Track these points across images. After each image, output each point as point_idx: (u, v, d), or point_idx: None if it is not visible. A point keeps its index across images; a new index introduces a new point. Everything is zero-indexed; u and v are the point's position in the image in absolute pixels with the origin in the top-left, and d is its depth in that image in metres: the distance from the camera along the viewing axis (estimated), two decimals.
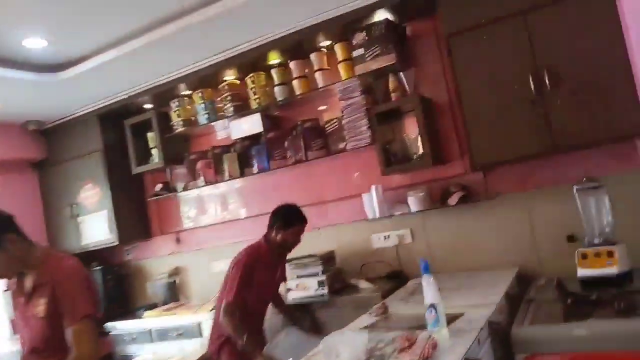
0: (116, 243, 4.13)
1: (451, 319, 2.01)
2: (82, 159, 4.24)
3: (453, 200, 2.99)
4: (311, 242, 3.57)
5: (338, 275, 3.35)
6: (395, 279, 3.22)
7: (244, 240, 3.94)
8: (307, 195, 3.72)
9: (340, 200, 3.61)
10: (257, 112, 3.56)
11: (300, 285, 3.26)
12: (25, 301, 1.84)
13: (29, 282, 1.86)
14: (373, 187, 3.22)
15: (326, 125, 3.43)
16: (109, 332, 3.94)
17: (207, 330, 3.34)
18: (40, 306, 1.79)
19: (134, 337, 3.83)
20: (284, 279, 3.16)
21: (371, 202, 3.23)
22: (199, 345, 3.35)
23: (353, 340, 1.87)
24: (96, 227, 4.20)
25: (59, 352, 1.80)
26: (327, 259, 3.36)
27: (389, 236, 3.40)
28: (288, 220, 2.90)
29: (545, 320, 2.16)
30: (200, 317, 3.55)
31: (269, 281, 2.93)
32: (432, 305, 1.85)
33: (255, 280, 2.77)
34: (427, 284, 1.87)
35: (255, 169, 3.61)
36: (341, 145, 3.32)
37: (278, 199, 3.82)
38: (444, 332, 1.83)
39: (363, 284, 3.19)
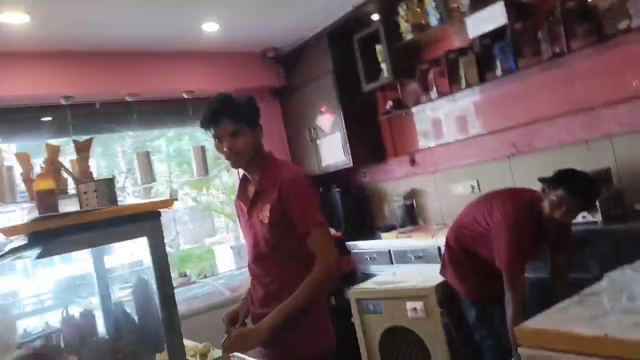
0: (351, 165, 4.09)
1: None
2: (316, 82, 4.25)
3: None
4: (578, 160, 2.84)
5: (616, 198, 2.60)
6: None
7: (485, 160, 3.47)
8: (567, 101, 2.98)
9: (616, 103, 2.75)
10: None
11: None
12: (248, 207, 1.79)
13: (252, 188, 1.81)
14: None
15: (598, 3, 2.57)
16: (350, 250, 3.98)
17: None
18: (265, 211, 1.71)
19: (374, 257, 3.79)
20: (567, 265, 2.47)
21: None
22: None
23: None
24: (332, 150, 4.22)
25: (284, 259, 1.72)
26: (600, 179, 2.61)
27: None
28: (573, 193, 2.17)
29: None
30: (439, 242, 3.24)
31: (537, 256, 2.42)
32: None
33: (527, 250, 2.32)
34: None
35: (498, 71, 3.00)
36: (622, 26, 2.45)
37: (526, 109, 3.19)
38: None
39: None
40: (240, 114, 1.72)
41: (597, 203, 2.48)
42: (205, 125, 1.74)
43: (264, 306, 1.70)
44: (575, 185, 2.19)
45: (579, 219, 2.53)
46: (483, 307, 2.50)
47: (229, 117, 1.70)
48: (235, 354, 1.38)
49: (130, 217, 1.34)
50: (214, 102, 1.73)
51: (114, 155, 10.03)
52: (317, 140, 4.36)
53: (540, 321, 1.36)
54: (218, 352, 1.70)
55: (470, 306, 2.52)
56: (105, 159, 9.73)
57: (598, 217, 2.48)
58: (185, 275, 5.12)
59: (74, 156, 1.93)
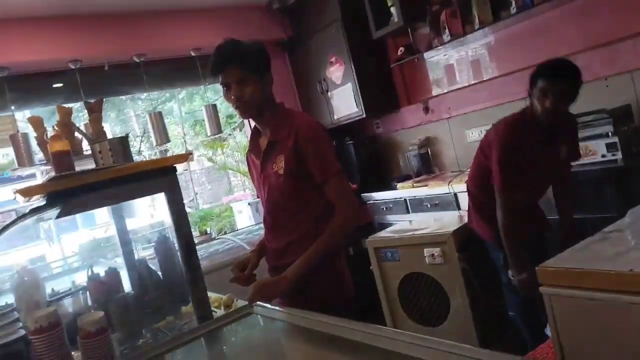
0: (364, 116, 4.03)
1: None
2: (324, 31, 4.14)
3: None
4: (596, 97, 2.77)
5: (637, 136, 2.53)
6: None
7: (500, 103, 3.38)
8: (586, 36, 2.86)
9: (636, 35, 2.64)
10: None
11: (581, 151, 2.56)
12: (262, 160, 1.76)
13: (264, 140, 1.77)
14: None
15: None
16: (366, 202, 3.99)
17: (464, 202, 3.01)
18: (280, 162, 1.68)
19: (390, 207, 3.80)
20: (571, 158, 2.39)
21: None
22: (457, 216, 3.06)
23: None
24: (344, 101, 4.16)
25: (299, 211, 1.70)
26: (621, 115, 2.55)
27: None
28: (545, 76, 2.11)
29: None
30: (456, 189, 3.22)
31: (541, 163, 2.26)
32: None
33: (522, 163, 2.22)
34: None
35: (513, 8, 2.87)
36: None
37: (542, 47, 3.07)
38: None
39: None
40: (248, 61, 1.66)
41: (618, 141, 2.42)
42: (213, 71, 1.69)
43: (282, 258, 1.71)
44: (550, 68, 2.13)
45: (599, 157, 2.49)
46: None
47: (236, 64, 1.64)
48: (259, 303, 1.40)
49: (147, 174, 1.34)
50: (221, 48, 1.67)
51: (128, 120, 10.07)
52: (328, 93, 4.29)
53: (563, 259, 1.35)
54: (242, 303, 1.73)
55: (497, 250, 2.49)
56: (119, 124, 9.78)
57: (618, 155, 2.43)
58: (206, 233, 5.21)
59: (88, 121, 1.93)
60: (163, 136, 3.83)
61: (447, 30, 3.25)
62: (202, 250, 3.83)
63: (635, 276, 1.12)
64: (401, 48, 3.75)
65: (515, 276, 2.28)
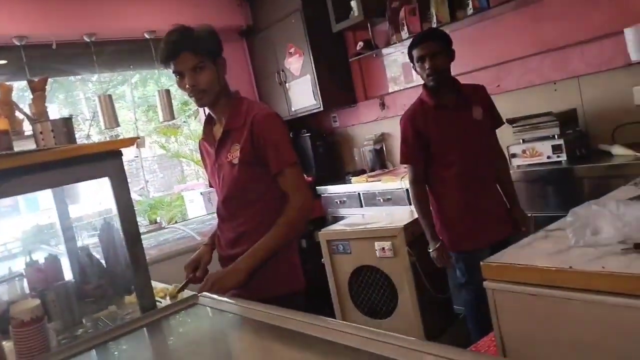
0: (321, 109, 4.03)
1: None
2: (284, 21, 4.10)
3: None
4: (544, 100, 2.89)
5: (580, 139, 2.64)
6: None
7: None
8: (537, 41, 2.96)
9: (584, 42, 2.75)
10: None
11: (528, 151, 2.67)
12: (216, 149, 1.72)
13: (219, 129, 1.73)
14: None
15: None
16: (320, 195, 3.99)
17: None
18: (235, 151, 1.65)
19: (344, 201, 3.82)
20: (494, 123, 2.43)
21: (639, 37, 2.34)
22: (408, 211, 3.11)
23: (622, 213, 1.31)
24: (302, 93, 4.14)
25: (253, 200, 1.67)
26: (566, 119, 2.65)
27: None
28: (414, 45, 2.31)
29: None
30: (407, 184, 3.26)
31: (449, 130, 2.33)
32: None
33: (422, 136, 2.35)
34: None
35: (470, 9, 2.93)
36: None
37: (496, 49, 3.17)
38: None
39: (618, 150, 2.44)
40: (201, 46, 1.61)
41: (563, 143, 2.52)
42: (165, 60, 1.63)
43: (234, 247, 1.68)
44: (416, 38, 2.37)
45: (545, 159, 2.58)
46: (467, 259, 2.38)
47: (189, 50, 1.59)
48: (205, 293, 1.37)
49: (91, 157, 1.28)
50: (172, 34, 1.61)
51: (77, 102, 9.64)
52: (287, 84, 4.26)
53: (506, 255, 1.38)
54: (189, 293, 1.69)
55: (456, 259, 2.44)
56: (68, 106, 9.35)
57: (563, 157, 2.53)
58: (155, 222, 5.07)
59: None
60: (112, 120, 3.69)
61: (405, 28, 3.29)
62: (151, 239, 3.74)
63: (574, 273, 1.16)
64: (360, 42, 3.77)
65: (431, 249, 2.43)
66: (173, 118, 4.10)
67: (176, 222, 4.88)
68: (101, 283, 1.88)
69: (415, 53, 2.30)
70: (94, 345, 1.15)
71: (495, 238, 2.29)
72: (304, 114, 4.22)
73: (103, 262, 1.93)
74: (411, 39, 2.40)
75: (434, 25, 3.11)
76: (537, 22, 2.94)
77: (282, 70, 4.24)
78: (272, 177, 1.63)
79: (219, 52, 1.68)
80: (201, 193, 5.12)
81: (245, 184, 1.65)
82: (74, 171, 1.28)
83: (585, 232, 1.31)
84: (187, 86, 1.62)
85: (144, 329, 1.25)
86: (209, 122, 1.79)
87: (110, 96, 3.73)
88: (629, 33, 2.41)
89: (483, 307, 2.26)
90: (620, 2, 2.57)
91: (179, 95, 6.11)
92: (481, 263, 1.40)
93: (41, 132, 1.41)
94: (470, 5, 2.91)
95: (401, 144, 2.42)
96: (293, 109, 4.28)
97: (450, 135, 2.33)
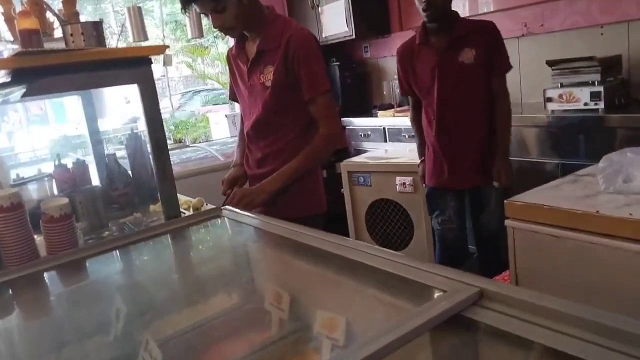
0: (353, 37, 3.89)
1: None
2: None
3: None
4: (588, 43, 2.74)
5: (622, 87, 2.52)
6: None
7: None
8: None
9: None
10: None
11: (565, 96, 2.56)
12: (248, 68, 1.68)
13: (253, 47, 1.68)
14: None
15: None
16: (345, 127, 3.95)
17: None
18: (268, 74, 1.61)
19: (368, 134, 3.78)
20: (487, 65, 2.24)
21: None
22: None
23: None
24: (334, 19, 3.99)
25: (282, 123, 1.66)
26: (609, 66, 2.52)
27: None
28: None
29: None
30: None
31: (426, 75, 2.29)
32: None
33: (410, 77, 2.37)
34: None
35: None
36: None
37: None
38: None
39: None
40: None
41: (602, 91, 2.41)
42: (184, 5, 1.56)
43: (260, 167, 1.70)
44: None
45: (582, 105, 2.49)
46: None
47: None
48: (228, 207, 1.39)
49: (120, 62, 1.26)
50: None
51: (106, 15, 9.50)
52: (319, 8, 4.10)
53: (531, 196, 1.37)
54: (212, 207, 1.73)
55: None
56: (96, 19, 9.22)
57: (601, 105, 2.42)
58: (180, 141, 5.12)
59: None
60: (141, 33, 3.63)
61: None
62: (174, 157, 3.79)
63: (600, 217, 1.15)
64: None
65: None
66: (202, 36, 4.02)
67: (200, 142, 4.93)
68: (127, 190, 1.93)
69: None
70: (120, 246, 1.20)
71: (460, 185, 2.36)
72: (334, 41, 4.09)
73: (129, 171, 1.97)
74: None
75: None
76: None
77: None
78: (304, 102, 1.60)
79: None
80: (226, 115, 5.13)
81: (276, 107, 1.63)
82: (103, 75, 1.28)
83: (617, 179, 1.28)
84: (214, 26, 1.57)
85: (168, 235, 1.29)
86: (241, 38, 1.74)
87: (139, 8, 3.66)
88: None
89: (495, 246, 2.32)
90: None
91: None
92: (505, 201, 1.39)
93: (71, 34, 1.39)
94: None
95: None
96: (324, 35, 4.14)
97: (426, 76, 2.29)
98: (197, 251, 1.26)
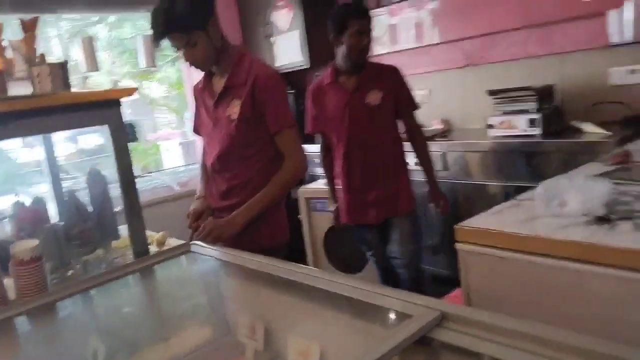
0: (308, 66, 4.02)
1: None
2: None
3: None
4: (525, 73, 2.97)
5: (556, 114, 2.74)
6: (636, 125, 2.50)
7: (439, 69, 3.52)
8: (523, 14, 3.00)
9: (570, 20, 2.82)
10: None
11: (505, 123, 2.76)
12: (214, 102, 1.75)
13: (221, 82, 1.75)
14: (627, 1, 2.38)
15: None
16: None
17: None
18: (234, 107, 1.68)
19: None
20: (394, 107, 2.38)
21: (620, 21, 2.42)
22: None
23: (587, 188, 1.42)
24: (288, 49, 4.11)
25: (247, 156, 1.73)
26: (544, 94, 2.74)
27: (635, 70, 2.59)
28: (340, 21, 2.27)
29: None
30: None
31: (335, 115, 2.36)
32: None
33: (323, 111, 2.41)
34: None
35: None
36: None
37: (483, 20, 3.20)
38: None
39: (589, 127, 2.56)
40: (186, 23, 1.59)
41: (539, 118, 2.62)
42: (156, 40, 1.63)
43: (225, 199, 1.75)
44: (354, 8, 2.33)
45: (520, 131, 2.69)
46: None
47: (176, 31, 1.60)
48: (198, 242, 1.43)
49: (91, 105, 1.30)
50: (156, 16, 1.60)
51: (47, 40, 9.23)
52: (272, 38, 4.21)
53: (478, 220, 1.49)
54: (176, 241, 1.76)
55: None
56: (39, 43, 8.93)
57: (538, 131, 2.64)
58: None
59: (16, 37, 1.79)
60: (93, 63, 3.61)
61: None
62: None
63: (540, 240, 1.27)
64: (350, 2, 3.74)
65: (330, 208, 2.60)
66: (154, 65, 4.03)
67: (151, 172, 4.87)
68: (87, 227, 1.93)
69: (352, 25, 2.24)
70: (92, 286, 1.21)
71: (373, 221, 2.41)
72: (288, 70, 4.20)
73: (88, 207, 1.97)
74: (345, 9, 2.36)
75: None
76: None
77: (269, 24, 4.19)
78: (270, 136, 1.68)
79: (209, 17, 1.65)
80: (180, 143, 5.11)
81: (242, 140, 1.70)
82: (72, 117, 1.31)
83: (553, 204, 1.42)
84: (184, 59, 1.65)
85: (138, 273, 1.32)
86: (208, 73, 1.81)
87: (91, 38, 3.65)
88: (612, 15, 2.49)
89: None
90: None
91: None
92: (454, 227, 1.50)
93: (38, 75, 1.41)
94: None
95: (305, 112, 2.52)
96: (278, 64, 4.25)
97: (336, 116, 2.35)
98: (169, 289, 1.29)
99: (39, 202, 1.86)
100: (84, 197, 1.97)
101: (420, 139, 2.49)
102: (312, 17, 3.93)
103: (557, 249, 1.23)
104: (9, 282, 1.28)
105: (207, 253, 1.34)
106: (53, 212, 1.95)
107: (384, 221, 2.44)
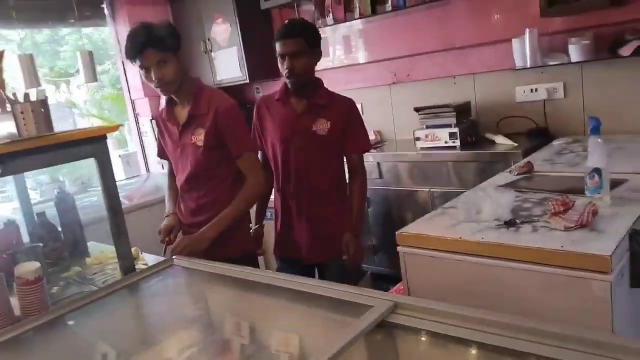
0: (247, 81, 4.22)
1: (612, 185, 1.80)
2: None
3: (627, 50, 2.53)
4: (446, 91, 3.38)
5: (472, 128, 3.16)
6: (539, 137, 2.96)
7: (369, 86, 3.86)
8: (444, 39, 3.41)
9: (483, 45, 3.25)
10: None
11: (429, 136, 3.15)
12: (179, 130, 1.95)
13: (184, 111, 1.94)
14: (527, 31, 2.82)
15: None
16: None
17: None
18: (199, 135, 1.89)
19: None
20: (340, 141, 2.16)
21: (523, 48, 2.86)
22: None
23: (496, 198, 1.78)
24: (228, 64, 4.29)
25: (213, 177, 1.94)
26: (462, 110, 3.15)
27: (536, 89, 3.06)
28: (274, 40, 2.10)
29: None
30: None
31: (276, 136, 2.14)
32: (596, 170, 1.66)
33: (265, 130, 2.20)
34: (595, 146, 1.66)
35: (388, 6, 3.30)
36: None
37: (408, 43, 3.58)
38: (607, 199, 1.65)
39: (500, 139, 2.99)
40: (164, 43, 1.81)
41: (457, 131, 3.02)
42: (131, 56, 1.81)
43: (195, 216, 1.96)
44: (278, 31, 2.12)
45: (443, 143, 3.08)
46: None
47: (153, 47, 1.79)
48: (179, 257, 1.63)
49: (79, 142, 1.45)
50: (137, 33, 1.80)
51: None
52: (212, 53, 4.38)
53: (414, 227, 1.80)
54: (150, 257, 1.93)
55: None
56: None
57: (457, 143, 3.03)
58: (59, 181, 4.89)
59: None
60: (34, 80, 3.62)
61: (330, 15, 3.59)
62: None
63: (463, 242, 1.60)
64: (286, 21, 3.99)
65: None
66: (96, 80, 4.07)
67: (83, 183, 4.77)
68: (56, 246, 2.05)
69: (277, 48, 2.08)
70: (89, 303, 1.38)
71: (307, 260, 2.21)
72: (228, 84, 4.38)
73: (57, 226, 2.09)
74: (280, 28, 2.14)
75: (356, 17, 3.45)
76: (444, 23, 3.38)
77: (208, 39, 4.35)
78: (233, 159, 1.91)
79: (180, 47, 1.89)
80: (119, 156, 5.10)
81: (208, 164, 1.92)
82: (59, 153, 1.44)
83: (471, 211, 1.76)
84: (153, 79, 1.81)
85: (127, 289, 1.50)
86: (170, 102, 2.00)
87: (31, 55, 3.64)
88: (515, 42, 2.92)
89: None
90: (510, 16, 3.07)
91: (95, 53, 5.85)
92: (396, 232, 1.80)
93: (22, 113, 1.53)
94: (390, 3, 3.27)
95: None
96: (218, 79, 4.42)
97: (276, 135, 2.13)
98: (162, 300, 1.48)
99: (11, 225, 1.96)
100: (53, 215, 2.09)
101: (358, 180, 2.20)
102: (249, 32, 4.14)
103: (475, 248, 1.56)
104: (13, 301, 1.41)
105: (189, 266, 1.55)
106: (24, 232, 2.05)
107: (318, 265, 2.24)
